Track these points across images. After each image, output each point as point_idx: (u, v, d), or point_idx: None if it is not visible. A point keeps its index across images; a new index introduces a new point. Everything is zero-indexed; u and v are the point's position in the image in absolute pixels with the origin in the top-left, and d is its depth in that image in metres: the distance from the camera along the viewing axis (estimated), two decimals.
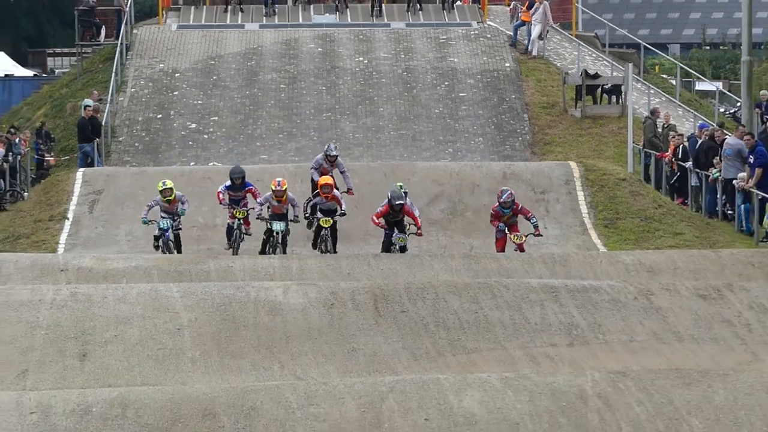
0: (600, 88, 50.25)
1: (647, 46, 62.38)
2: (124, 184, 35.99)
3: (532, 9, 56.73)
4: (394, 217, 29.50)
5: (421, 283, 22.19)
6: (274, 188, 29.26)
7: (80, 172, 38.10)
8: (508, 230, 29.75)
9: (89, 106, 46.67)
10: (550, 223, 28.17)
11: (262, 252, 29.56)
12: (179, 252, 29.27)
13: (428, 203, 29.37)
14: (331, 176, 33.52)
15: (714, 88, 52.59)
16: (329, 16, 59.56)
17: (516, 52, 54.22)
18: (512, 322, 20.26)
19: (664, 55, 61.80)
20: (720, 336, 20.20)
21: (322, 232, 29.96)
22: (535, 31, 55.75)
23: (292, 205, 29.87)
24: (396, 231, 29.65)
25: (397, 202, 29.31)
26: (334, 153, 31.69)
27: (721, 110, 51.31)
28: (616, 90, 49.44)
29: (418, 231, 29.74)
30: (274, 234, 29.15)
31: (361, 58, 53.94)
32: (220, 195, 29.69)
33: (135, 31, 57.25)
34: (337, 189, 31.39)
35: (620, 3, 79.26)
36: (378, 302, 20.56)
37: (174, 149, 44.83)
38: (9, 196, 41.21)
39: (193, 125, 46.67)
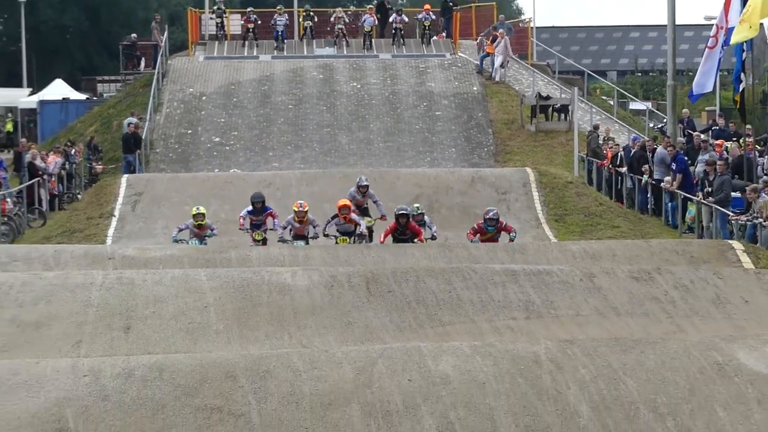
0: (551, 108, 51.31)
1: (590, 73, 62.74)
2: (160, 188, 36.14)
3: (495, 42, 57.02)
4: (401, 234, 28.76)
5: (404, 268, 22.19)
6: (296, 210, 28.70)
7: (124, 178, 38.33)
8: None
9: (132, 124, 46.83)
10: (511, 218, 28.55)
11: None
12: None
13: (410, 202, 28.92)
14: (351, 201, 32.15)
15: (644, 108, 53.10)
16: (329, 49, 60.23)
17: (482, 78, 54.92)
18: (479, 300, 20.23)
19: (603, 80, 62.19)
20: (650, 311, 20.21)
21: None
22: (498, 61, 56.19)
23: (312, 226, 29.34)
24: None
25: (400, 212, 28.79)
26: (365, 183, 30.77)
27: (651, 125, 51.56)
28: (564, 109, 50.28)
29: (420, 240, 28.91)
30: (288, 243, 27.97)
31: (355, 84, 54.10)
32: (241, 220, 29.30)
33: (169, 61, 57.37)
34: (359, 214, 30.45)
35: (567, 37, 79.76)
36: (369, 284, 20.54)
37: (201, 158, 45.26)
38: (66, 198, 41.37)
39: (217, 139, 47.02)
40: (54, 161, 45.36)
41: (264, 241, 28.99)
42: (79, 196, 41.24)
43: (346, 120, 48.61)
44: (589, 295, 20.85)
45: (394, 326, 19.06)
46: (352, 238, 29.89)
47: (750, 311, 20.36)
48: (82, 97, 66.40)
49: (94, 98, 64.41)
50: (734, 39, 38.59)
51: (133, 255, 25.32)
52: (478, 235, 29.25)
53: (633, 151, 41.83)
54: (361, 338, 18.25)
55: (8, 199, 39.29)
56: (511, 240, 29.05)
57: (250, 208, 29.14)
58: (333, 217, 30.23)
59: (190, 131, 49.12)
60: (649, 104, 54.86)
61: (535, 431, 14.49)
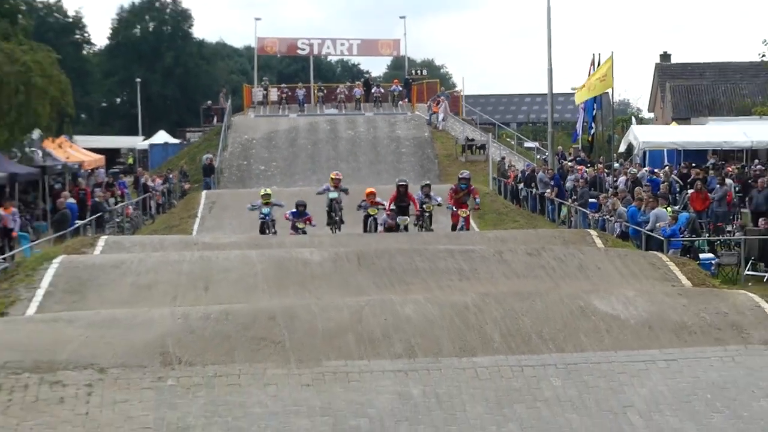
0: (474, 146, 51.38)
1: (499, 124, 62.76)
2: (227, 199, 36.43)
3: (439, 105, 57.14)
4: (401, 201, 27.44)
5: (382, 249, 22.02)
6: (333, 177, 28.64)
7: (204, 193, 38.59)
8: (458, 209, 27.83)
9: (208, 158, 46.76)
10: (448, 216, 28.05)
11: (329, 216, 28.29)
12: (275, 230, 27.60)
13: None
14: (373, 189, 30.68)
15: (534, 146, 52.94)
16: (333, 110, 60.38)
17: (430, 128, 55.02)
18: (430, 269, 20.11)
19: (507, 128, 62.35)
20: (538, 274, 20.13)
21: (369, 219, 27.94)
22: (440, 117, 56.30)
23: (342, 190, 28.69)
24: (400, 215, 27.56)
25: (400, 182, 28.15)
26: (405, 182, 28.82)
27: (538, 157, 51.57)
28: (482, 147, 50.31)
29: (416, 211, 27.89)
30: (332, 202, 27.92)
31: (350, 131, 54.11)
32: (287, 214, 27.60)
33: (232, 119, 57.29)
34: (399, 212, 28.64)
35: (485, 101, 79.46)
36: (360, 259, 20.43)
37: (252, 180, 45.83)
38: (166, 206, 41.43)
39: (262, 167, 47.43)
40: (158, 182, 45.55)
41: (304, 231, 27.59)
42: (174, 204, 41.26)
43: (345, 154, 48.98)
44: (499, 265, 20.79)
45: (375, 286, 19.01)
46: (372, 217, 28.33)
47: (601, 274, 20.40)
48: (177, 141, 66.36)
49: (184, 142, 64.35)
50: (577, 100, 41.14)
51: (209, 241, 25.25)
52: (454, 196, 28.34)
53: (527, 173, 42.11)
54: (354, 293, 18.19)
55: (131, 207, 39.42)
56: (477, 205, 28.80)
57: (294, 210, 27.70)
58: (362, 201, 28.99)
59: (245, 162, 49.27)
60: (536, 144, 54.98)
61: (464, 351, 14.49)
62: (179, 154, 58.09)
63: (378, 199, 28.37)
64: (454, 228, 28.16)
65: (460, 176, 29.16)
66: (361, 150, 50.20)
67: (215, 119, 60.87)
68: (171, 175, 47.78)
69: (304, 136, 53.50)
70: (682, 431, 12.84)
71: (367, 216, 28.21)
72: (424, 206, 28.30)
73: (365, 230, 27.74)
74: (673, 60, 73.73)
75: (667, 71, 72.15)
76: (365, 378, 13.97)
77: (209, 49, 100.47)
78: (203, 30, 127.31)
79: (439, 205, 28.80)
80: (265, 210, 27.03)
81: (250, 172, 47.54)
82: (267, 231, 27.26)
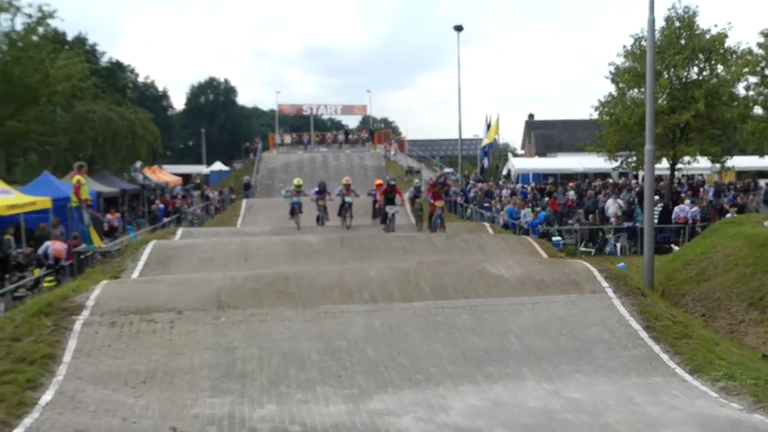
0: (413, 171, 50.73)
1: (428, 157, 62.32)
2: (259, 204, 35.88)
3: (391, 145, 57.01)
4: (390, 194, 24.21)
5: (356, 235, 22.00)
6: (344, 183, 25.59)
7: (244, 201, 37.93)
8: (434, 201, 24.24)
9: (247, 179, 46.66)
10: (396, 218, 26.32)
11: (340, 213, 25.38)
12: (301, 212, 25.40)
13: (359, 207, 27.76)
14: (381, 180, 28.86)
15: (450, 171, 52.47)
16: (325, 149, 59.95)
17: (386, 160, 54.43)
18: (386, 247, 20.06)
19: (433, 160, 61.59)
20: (453, 251, 20.13)
21: (377, 206, 25.83)
22: (392, 153, 56.10)
23: (354, 193, 25.74)
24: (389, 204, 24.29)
25: (390, 181, 24.95)
26: (393, 182, 25.01)
27: (453, 178, 51.51)
28: (418, 171, 49.83)
29: (401, 203, 25.14)
30: (345, 204, 25.19)
31: (335, 162, 53.72)
32: (312, 195, 25.58)
33: (262, 154, 57.05)
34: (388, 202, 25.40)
35: (421, 143, 78.91)
36: (342, 241, 20.35)
37: (274, 192, 44.76)
38: (221, 209, 41.00)
39: (281, 185, 46.59)
40: (216, 194, 45.28)
41: (325, 209, 25.63)
42: (226, 208, 40.87)
43: (332, 175, 48.14)
44: (429, 244, 20.74)
45: (352, 258, 18.92)
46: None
47: (492, 250, 20.27)
48: (227, 168, 66.17)
49: (232, 169, 64.16)
50: (484, 143, 40.58)
51: (248, 231, 25.15)
52: (431, 189, 24.64)
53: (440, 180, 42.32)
54: (338, 263, 18.12)
55: (198, 210, 39.21)
56: (449, 196, 26.45)
57: (317, 189, 25.80)
58: (372, 191, 27.40)
59: (270, 182, 48.85)
60: (452, 169, 54.70)
61: (407, 298, 14.47)
62: (229, 177, 58.20)
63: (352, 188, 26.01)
64: (431, 217, 24.64)
65: (438, 175, 26.41)
66: (342, 173, 49.55)
67: (252, 155, 60.66)
68: (224, 190, 47.75)
69: (307, 165, 53.42)
70: (541, 346, 12.91)
71: (374, 203, 26.66)
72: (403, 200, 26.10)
73: (339, 213, 25.39)
74: (536, 118, 74.80)
75: (532, 124, 73.19)
76: (345, 316, 13.95)
77: (247, 111, 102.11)
78: (244, 99, 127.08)
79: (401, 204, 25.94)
80: (295, 199, 25.05)
81: (273, 187, 47.20)
82: (294, 214, 25.20)
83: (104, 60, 54.74)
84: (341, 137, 64.23)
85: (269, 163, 54.76)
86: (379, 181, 26.86)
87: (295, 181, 25.65)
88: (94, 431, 9.20)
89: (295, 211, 25.14)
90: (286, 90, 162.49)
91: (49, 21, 34.34)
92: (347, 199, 25.00)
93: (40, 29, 33.64)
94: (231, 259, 18.75)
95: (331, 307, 14.37)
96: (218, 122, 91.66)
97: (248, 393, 10.80)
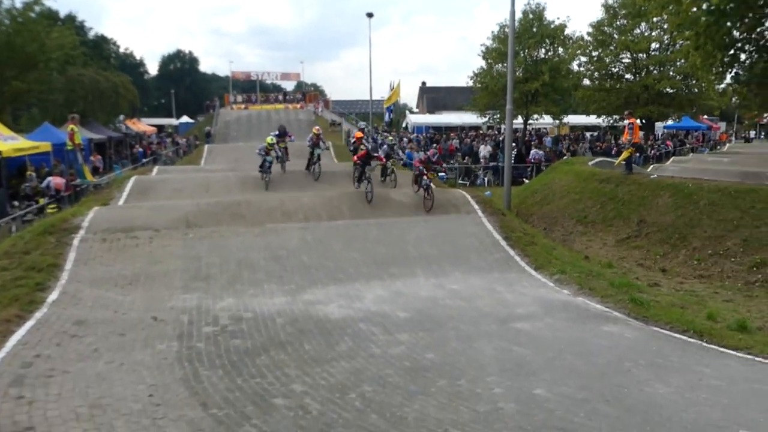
0: (335, 123, 49.41)
1: (347, 113, 61.17)
2: (218, 148, 34.35)
3: (319, 104, 55.81)
4: (368, 158, 16.76)
5: (295, 172, 21.45)
6: (315, 132, 19.82)
7: (206, 146, 36.18)
8: (425, 172, 16.37)
9: (208, 129, 44.93)
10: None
11: (308, 165, 20.02)
12: (284, 166, 20.19)
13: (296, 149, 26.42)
14: (361, 132, 23.25)
15: (364, 125, 51.08)
16: (269, 107, 57.64)
17: (315, 115, 52.90)
18: (313, 184, 19.78)
19: (351, 116, 60.34)
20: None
21: (361, 167, 17.73)
22: (320, 110, 54.80)
23: (322, 141, 20.08)
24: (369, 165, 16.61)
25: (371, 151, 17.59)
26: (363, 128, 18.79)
27: (365, 130, 50.62)
28: (339, 124, 48.48)
29: (380, 162, 17.89)
30: (315, 154, 19.65)
31: (277, 116, 51.41)
32: (272, 137, 19.15)
33: (219, 110, 54.92)
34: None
35: (342, 102, 76.61)
36: (284, 177, 19.90)
37: (229, 140, 42.91)
38: (188, 152, 39.30)
39: (234, 133, 45.01)
40: (184, 141, 43.41)
41: (285, 149, 20.37)
42: (191, 152, 39.24)
43: (273, 127, 46.68)
44: (348, 177, 20.31)
45: (290, 189, 18.50)
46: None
47: (398, 184, 19.62)
48: (192, 121, 63.51)
49: (196, 121, 61.64)
50: (385, 104, 39.80)
51: (209, 168, 24.15)
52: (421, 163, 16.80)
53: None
54: (280, 192, 17.75)
55: (170, 152, 37.61)
56: (438, 173, 19.34)
57: (276, 132, 20.34)
58: (353, 142, 21.74)
59: (226, 131, 46.57)
60: (365, 123, 53.83)
61: (331, 218, 14.35)
62: (194, 127, 55.68)
63: (364, 141, 20.98)
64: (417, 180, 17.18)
65: (431, 153, 17.63)
66: (278, 123, 48.46)
67: (211, 111, 58.32)
68: (190, 138, 45.89)
69: (254, 118, 51.32)
70: (431, 252, 13.04)
71: (356, 151, 20.20)
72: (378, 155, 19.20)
73: (308, 166, 20.42)
74: (428, 85, 74.03)
75: (424, 90, 72.30)
76: (285, 232, 13.78)
77: (208, 76, 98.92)
78: (205, 67, 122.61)
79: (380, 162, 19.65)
80: (269, 158, 18.86)
81: (228, 135, 45.35)
82: (264, 169, 19.10)
83: (91, 34, 51.89)
84: (281, 98, 62.44)
85: (225, 117, 52.50)
86: (358, 134, 21.54)
87: (268, 138, 19.32)
88: (92, 321, 8.91)
89: (264, 168, 19.11)
90: (238, 60, 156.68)
91: (44, 0, 32.37)
92: (317, 150, 19.77)
93: (37, 8, 31.62)
94: (196, 189, 18.06)
95: (274, 225, 14.16)
96: (184, 85, 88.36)
97: (211, 290, 10.63)
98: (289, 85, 73.77)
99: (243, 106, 58.47)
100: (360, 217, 14.97)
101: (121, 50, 74.79)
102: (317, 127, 20.78)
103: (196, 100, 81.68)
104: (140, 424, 5.96)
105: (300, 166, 20.72)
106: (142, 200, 16.71)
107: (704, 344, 8.77)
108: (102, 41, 54.47)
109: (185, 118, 67.20)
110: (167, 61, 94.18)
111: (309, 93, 65.73)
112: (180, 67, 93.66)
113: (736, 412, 6.40)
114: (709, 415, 6.33)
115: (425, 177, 15.99)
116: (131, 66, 76.79)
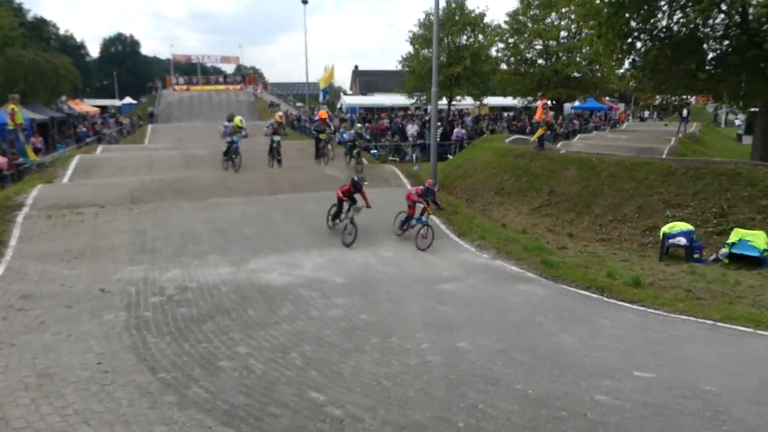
0: (274, 104, 48.34)
1: (285, 95, 59.86)
2: (161, 128, 33.19)
3: (258, 86, 54.34)
4: (354, 193, 12.55)
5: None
6: (277, 119, 17.82)
7: (149, 126, 34.95)
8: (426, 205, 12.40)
9: (151, 109, 43.06)
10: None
11: (270, 152, 17.37)
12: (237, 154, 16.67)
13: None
14: (325, 111, 20.07)
15: (301, 105, 50.28)
16: (209, 89, 55.58)
17: (254, 97, 51.50)
18: (257, 161, 19.37)
19: (289, 97, 59.15)
20: (304, 161, 19.33)
21: (320, 144, 18.04)
22: (259, 91, 53.47)
23: (283, 128, 18.23)
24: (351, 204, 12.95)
25: (357, 181, 12.83)
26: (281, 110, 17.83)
27: (302, 110, 49.70)
28: (278, 105, 47.62)
29: (367, 206, 12.17)
30: (275, 143, 17.21)
31: (218, 98, 49.92)
32: (220, 126, 18.04)
33: (162, 91, 52.69)
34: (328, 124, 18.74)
35: (282, 85, 74.31)
36: (223, 153, 19.36)
37: (172, 119, 41.45)
38: (132, 132, 37.51)
39: (177, 114, 43.45)
40: (127, 121, 41.30)
41: (237, 148, 16.51)
42: (135, 132, 37.43)
43: (216, 108, 45.36)
44: (289, 156, 20.17)
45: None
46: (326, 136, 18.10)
47: (332, 160, 19.29)
48: (135, 102, 60.54)
49: (139, 102, 58.92)
50: (321, 86, 39.26)
51: (152, 147, 23.15)
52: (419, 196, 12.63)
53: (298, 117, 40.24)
54: (220, 170, 17.26)
55: (114, 132, 35.77)
56: (438, 205, 13.38)
57: (226, 123, 18.27)
58: (314, 121, 18.29)
59: (169, 111, 44.92)
60: (302, 104, 52.77)
61: (272, 192, 14.12)
62: (137, 108, 53.27)
63: (327, 121, 18.98)
64: (408, 219, 12.79)
65: (432, 186, 12.88)
66: (221, 106, 46.04)
67: (153, 92, 55.88)
68: (133, 118, 43.88)
69: (196, 100, 49.63)
70: (364, 222, 13.00)
71: (318, 141, 18.40)
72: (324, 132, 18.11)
73: (270, 152, 17.80)
74: (360, 68, 73.34)
75: (357, 73, 71.55)
76: (227, 205, 13.47)
77: (150, 59, 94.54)
78: (146, 50, 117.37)
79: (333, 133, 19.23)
80: (236, 138, 16.33)
81: (170, 116, 43.64)
82: (230, 154, 16.53)
83: (30, 16, 48.46)
84: (221, 80, 60.37)
85: (168, 98, 50.42)
86: (323, 114, 18.83)
87: (237, 119, 16.60)
88: (38, 294, 8.47)
89: (230, 151, 16.42)
90: (178, 44, 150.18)
91: None
92: (276, 137, 17.30)
93: None
94: (140, 167, 17.30)
95: (216, 199, 13.82)
96: (126, 67, 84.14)
97: (157, 262, 10.27)
98: (229, 68, 71.40)
99: (185, 87, 56.19)
100: (298, 191, 14.80)
101: (61, 32, 70.55)
102: (280, 114, 18.46)
103: (138, 81, 78.12)
104: (89, 391, 5.71)
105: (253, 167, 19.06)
106: (86, 178, 15.91)
107: (604, 299, 9.18)
108: (41, 23, 51.13)
109: (128, 99, 64.12)
110: (108, 44, 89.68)
111: (248, 75, 63.94)
112: (122, 50, 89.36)
113: (631, 356, 6.66)
114: (608, 359, 6.57)
115: (425, 214, 12.24)
116: (72, 48, 72.62)
